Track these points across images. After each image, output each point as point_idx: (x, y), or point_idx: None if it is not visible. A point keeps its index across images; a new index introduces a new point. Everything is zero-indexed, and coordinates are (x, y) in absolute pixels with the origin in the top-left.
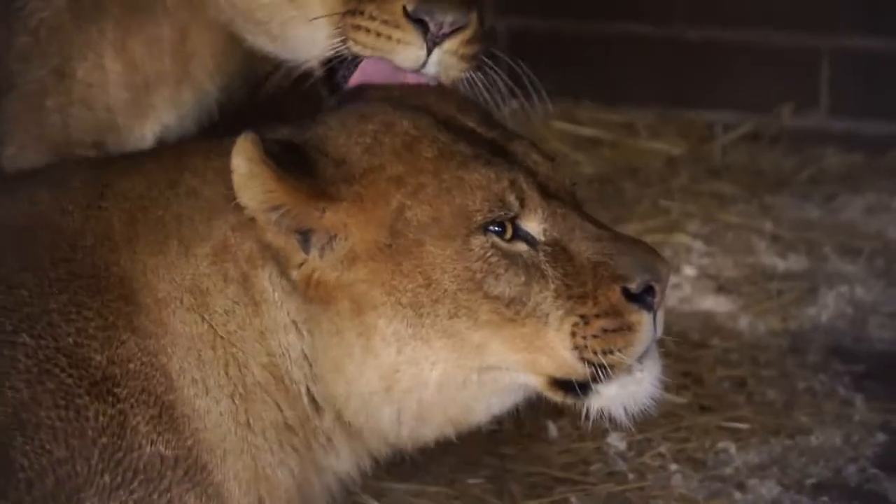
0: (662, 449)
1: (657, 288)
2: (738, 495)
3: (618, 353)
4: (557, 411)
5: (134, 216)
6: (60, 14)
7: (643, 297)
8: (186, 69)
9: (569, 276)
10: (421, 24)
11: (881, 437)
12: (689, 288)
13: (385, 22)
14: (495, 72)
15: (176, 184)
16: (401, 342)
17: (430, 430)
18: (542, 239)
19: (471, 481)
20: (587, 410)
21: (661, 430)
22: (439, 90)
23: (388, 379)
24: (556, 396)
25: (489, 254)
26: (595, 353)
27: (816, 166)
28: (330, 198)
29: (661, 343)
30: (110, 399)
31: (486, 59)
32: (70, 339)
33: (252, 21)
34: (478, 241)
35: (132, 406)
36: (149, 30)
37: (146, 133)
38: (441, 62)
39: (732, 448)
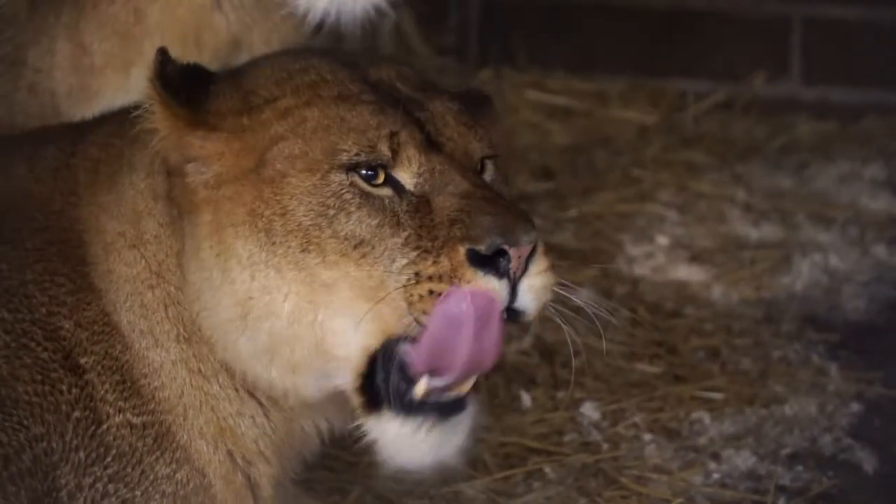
0: (636, 419)
1: (511, 253)
2: (712, 465)
3: None
4: (531, 381)
5: (98, 160)
6: (17, 2)
7: (495, 262)
8: (139, 51)
9: (423, 227)
10: None
11: (856, 406)
12: (663, 257)
13: None
14: None
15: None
16: (254, 267)
17: (277, 372)
18: (412, 190)
19: None
20: (363, 437)
21: (634, 399)
22: (394, 63)
23: (244, 305)
24: (355, 396)
25: (344, 190)
26: (421, 311)
27: (788, 135)
28: (210, 127)
29: (633, 311)
30: (79, 370)
31: None
32: (44, 310)
33: None
34: (337, 177)
35: (99, 374)
36: (102, 8)
37: None
38: None
39: (707, 418)
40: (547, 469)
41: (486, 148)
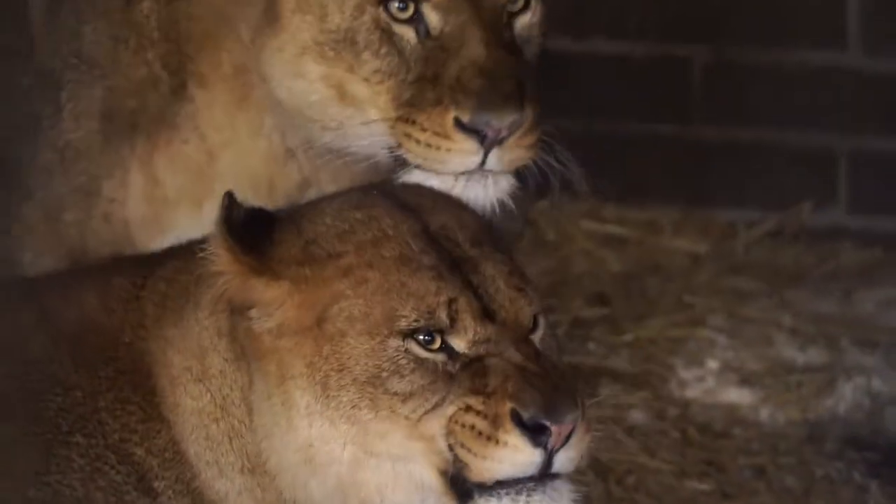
0: None
1: (553, 430)
2: None
3: (476, 458)
4: (586, 499)
5: (166, 294)
6: (91, 136)
7: (535, 432)
8: (211, 189)
9: (477, 376)
10: (476, 133)
11: None
12: (713, 380)
13: (437, 134)
14: (556, 149)
15: (203, 249)
16: (311, 417)
17: None
18: (466, 352)
19: None
20: None
21: None
22: (456, 201)
23: (306, 451)
24: (447, 499)
25: (400, 356)
26: (459, 444)
27: (834, 262)
28: (273, 275)
29: (684, 433)
30: (153, 493)
31: (546, 140)
32: (116, 436)
33: (304, 118)
34: (394, 342)
35: (170, 497)
36: (175, 146)
37: None
38: (500, 160)
39: None
40: None
41: (535, 307)
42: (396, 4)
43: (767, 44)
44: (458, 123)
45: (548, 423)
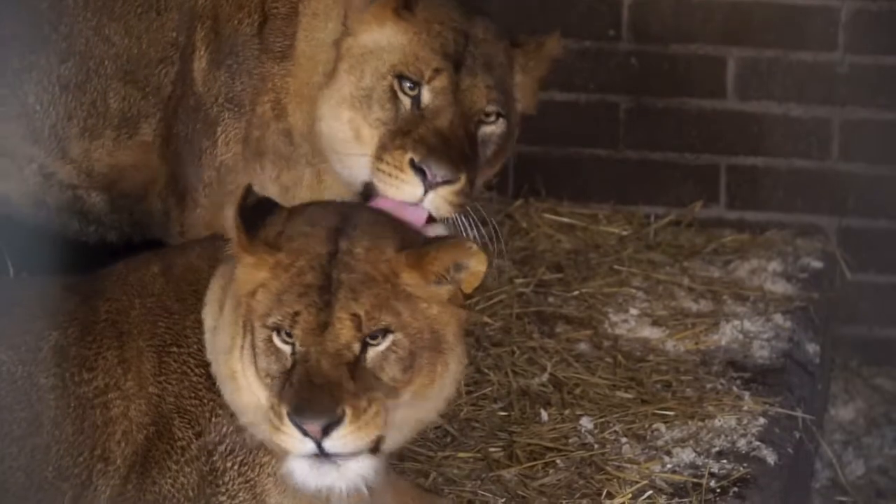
0: (617, 428)
1: (308, 428)
2: (666, 459)
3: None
4: (547, 403)
5: (216, 259)
6: (236, 157)
7: (298, 422)
8: (321, 196)
9: (286, 373)
10: (421, 172)
11: (761, 420)
12: (634, 322)
13: (396, 167)
14: (473, 221)
15: None
16: (241, 353)
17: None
18: (297, 348)
19: (491, 449)
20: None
21: (616, 415)
22: (367, 229)
23: (232, 371)
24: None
25: (265, 340)
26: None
27: (717, 242)
28: (251, 249)
29: (614, 358)
30: (216, 388)
31: (469, 210)
32: (195, 347)
33: (332, 150)
34: (263, 332)
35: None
36: (294, 169)
37: None
38: (433, 202)
39: (663, 427)
40: (558, 461)
41: (369, 328)
42: (408, 84)
43: (670, 95)
44: (411, 162)
45: (300, 421)
